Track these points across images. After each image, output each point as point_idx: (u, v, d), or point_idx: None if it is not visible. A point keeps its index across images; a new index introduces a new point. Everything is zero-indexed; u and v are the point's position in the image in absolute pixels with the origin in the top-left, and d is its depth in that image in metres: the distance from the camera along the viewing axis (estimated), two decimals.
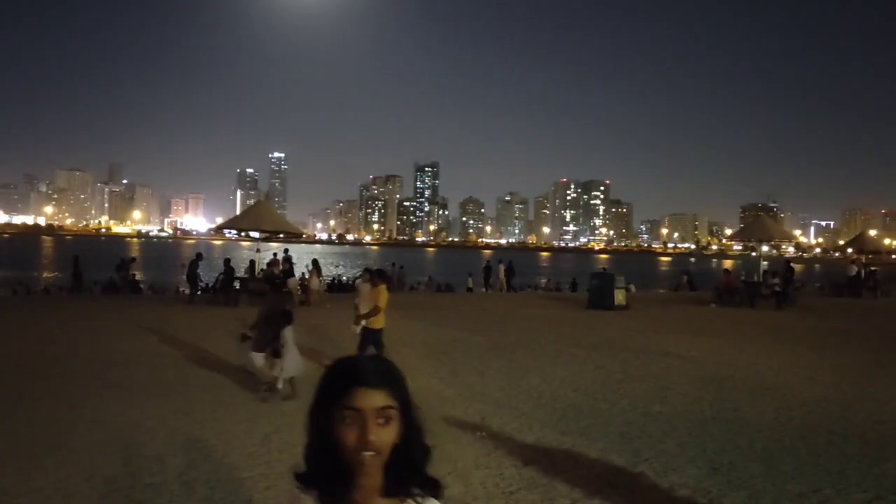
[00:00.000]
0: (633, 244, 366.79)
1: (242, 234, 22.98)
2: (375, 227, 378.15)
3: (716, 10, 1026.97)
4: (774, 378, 9.65)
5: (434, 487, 1.37)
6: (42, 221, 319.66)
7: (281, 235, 22.50)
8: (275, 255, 22.27)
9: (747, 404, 8.01)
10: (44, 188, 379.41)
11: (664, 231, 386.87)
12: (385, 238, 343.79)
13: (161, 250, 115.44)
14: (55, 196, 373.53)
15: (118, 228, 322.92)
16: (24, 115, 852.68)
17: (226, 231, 23.67)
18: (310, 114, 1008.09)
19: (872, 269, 30.04)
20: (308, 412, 1.35)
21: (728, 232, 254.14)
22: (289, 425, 6.69)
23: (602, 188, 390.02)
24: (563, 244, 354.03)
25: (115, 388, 8.34)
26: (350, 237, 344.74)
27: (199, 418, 7.08)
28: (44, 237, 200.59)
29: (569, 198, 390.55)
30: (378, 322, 9.14)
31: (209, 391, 8.32)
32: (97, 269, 29.36)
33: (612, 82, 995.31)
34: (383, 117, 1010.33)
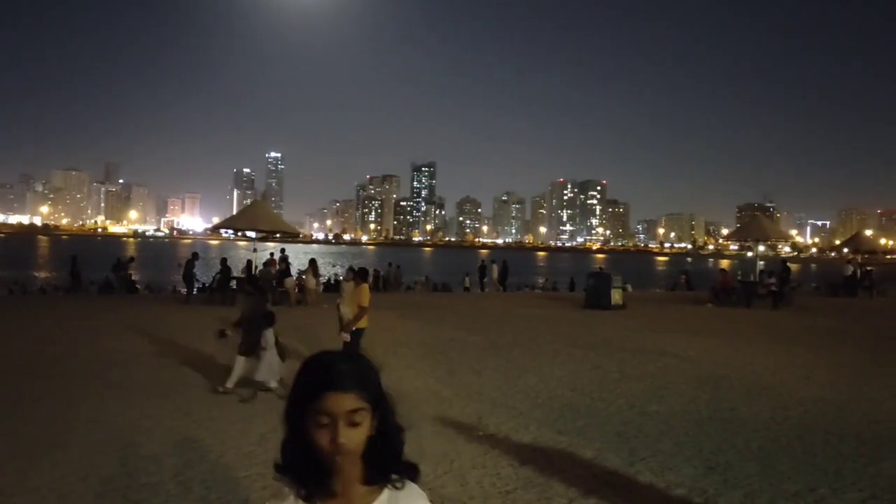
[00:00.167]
0: (630, 244, 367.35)
1: (239, 233, 22.99)
2: (372, 226, 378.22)
3: (715, 10, 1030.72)
4: (771, 378, 9.68)
5: (411, 472, 1.43)
6: (38, 221, 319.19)
7: (277, 235, 22.48)
8: (271, 254, 22.29)
9: (744, 404, 8.03)
10: (40, 188, 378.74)
11: (661, 231, 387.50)
12: (382, 238, 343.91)
13: (157, 250, 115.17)
14: (51, 196, 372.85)
15: (114, 228, 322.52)
16: (20, 115, 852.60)
17: (222, 231, 23.68)
18: (307, 113, 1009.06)
19: (868, 268, 30.18)
20: (284, 410, 1.38)
21: (724, 232, 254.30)
22: None
23: (599, 188, 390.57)
24: (559, 244, 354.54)
25: (114, 388, 8.33)
26: (347, 237, 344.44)
27: (196, 418, 7.08)
28: (40, 237, 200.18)
29: (565, 198, 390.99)
30: (361, 322, 9.10)
31: (206, 391, 8.32)
32: (93, 269, 29.23)
33: (611, 82, 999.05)
34: (380, 117, 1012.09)
